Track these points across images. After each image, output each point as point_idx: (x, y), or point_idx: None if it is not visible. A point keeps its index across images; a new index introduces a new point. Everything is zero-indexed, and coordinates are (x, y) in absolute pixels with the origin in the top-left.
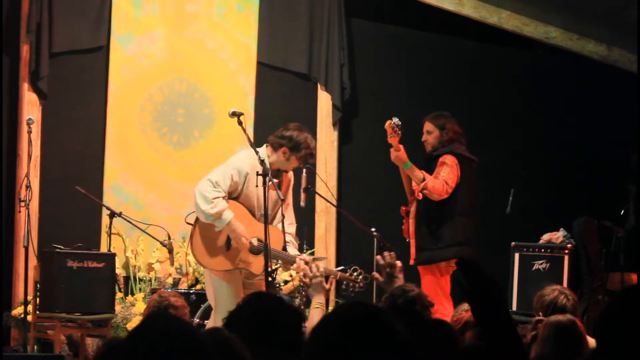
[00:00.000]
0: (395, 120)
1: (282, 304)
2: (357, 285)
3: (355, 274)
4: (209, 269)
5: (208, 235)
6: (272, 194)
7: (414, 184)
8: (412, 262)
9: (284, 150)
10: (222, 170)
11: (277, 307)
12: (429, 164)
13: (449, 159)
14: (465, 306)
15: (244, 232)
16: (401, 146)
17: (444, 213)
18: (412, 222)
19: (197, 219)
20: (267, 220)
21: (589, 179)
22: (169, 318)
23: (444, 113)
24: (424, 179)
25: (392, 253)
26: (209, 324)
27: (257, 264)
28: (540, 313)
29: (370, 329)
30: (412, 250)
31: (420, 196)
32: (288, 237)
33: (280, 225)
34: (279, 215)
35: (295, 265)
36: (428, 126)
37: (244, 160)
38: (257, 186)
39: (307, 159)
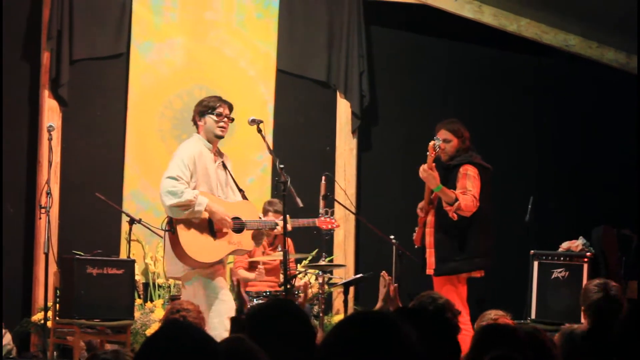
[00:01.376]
0: (437, 140)
1: (300, 313)
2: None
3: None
4: (207, 263)
5: (191, 232)
6: (221, 173)
7: (444, 203)
8: (430, 272)
9: (194, 118)
10: (175, 163)
11: (296, 314)
12: (446, 173)
13: (471, 170)
14: (492, 315)
15: (224, 212)
16: (434, 165)
17: (466, 224)
18: (431, 231)
19: (172, 223)
20: (285, 229)
21: (608, 187)
22: (181, 326)
23: (455, 120)
24: (456, 199)
25: (390, 278)
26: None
27: (245, 240)
28: (583, 307)
29: (378, 334)
30: (431, 259)
31: (456, 217)
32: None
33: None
34: (232, 191)
35: (277, 229)
36: (445, 134)
37: (190, 146)
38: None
39: (214, 109)
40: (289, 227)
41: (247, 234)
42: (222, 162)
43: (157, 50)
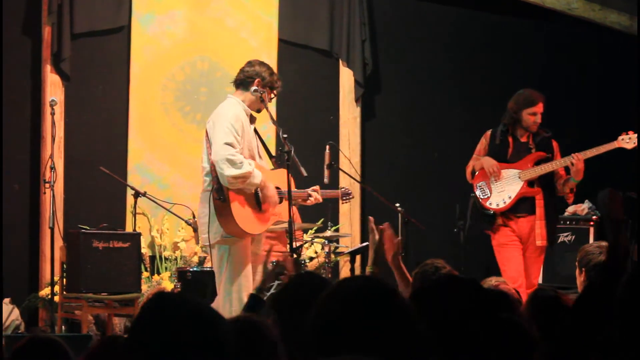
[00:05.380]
0: None
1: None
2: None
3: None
4: (254, 234)
5: (243, 203)
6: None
7: (567, 188)
8: (544, 243)
9: (258, 81)
10: (226, 127)
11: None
12: (544, 144)
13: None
14: (493, 281)
15: (274, 191)
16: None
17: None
18: (541, 203)
19: (223, 191)
20: (290, 202)
21: (614, 150)
22: (173, 296)
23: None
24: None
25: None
26: (220, 302)
27: (284, 211)
28: (583, 270)
29: (378, 301)
30: (543, 231)
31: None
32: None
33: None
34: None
35: (310, 199)
36: (542, 107)
37: (234, 110)
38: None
39: (274, 85)
40: (320, 198)
41: (284, 205)
42: (255, 127)
43: (159, 23)
